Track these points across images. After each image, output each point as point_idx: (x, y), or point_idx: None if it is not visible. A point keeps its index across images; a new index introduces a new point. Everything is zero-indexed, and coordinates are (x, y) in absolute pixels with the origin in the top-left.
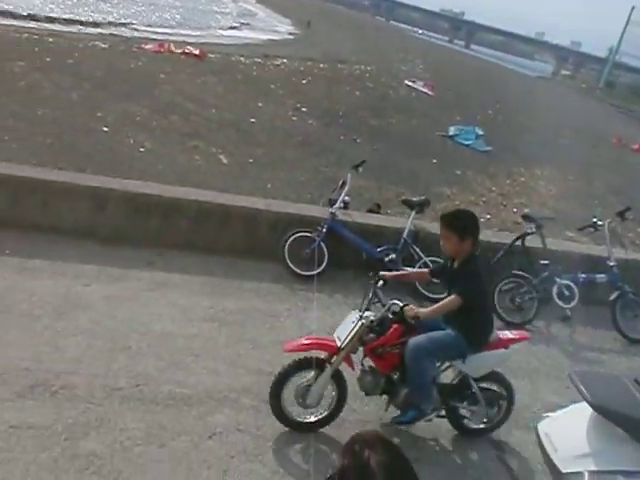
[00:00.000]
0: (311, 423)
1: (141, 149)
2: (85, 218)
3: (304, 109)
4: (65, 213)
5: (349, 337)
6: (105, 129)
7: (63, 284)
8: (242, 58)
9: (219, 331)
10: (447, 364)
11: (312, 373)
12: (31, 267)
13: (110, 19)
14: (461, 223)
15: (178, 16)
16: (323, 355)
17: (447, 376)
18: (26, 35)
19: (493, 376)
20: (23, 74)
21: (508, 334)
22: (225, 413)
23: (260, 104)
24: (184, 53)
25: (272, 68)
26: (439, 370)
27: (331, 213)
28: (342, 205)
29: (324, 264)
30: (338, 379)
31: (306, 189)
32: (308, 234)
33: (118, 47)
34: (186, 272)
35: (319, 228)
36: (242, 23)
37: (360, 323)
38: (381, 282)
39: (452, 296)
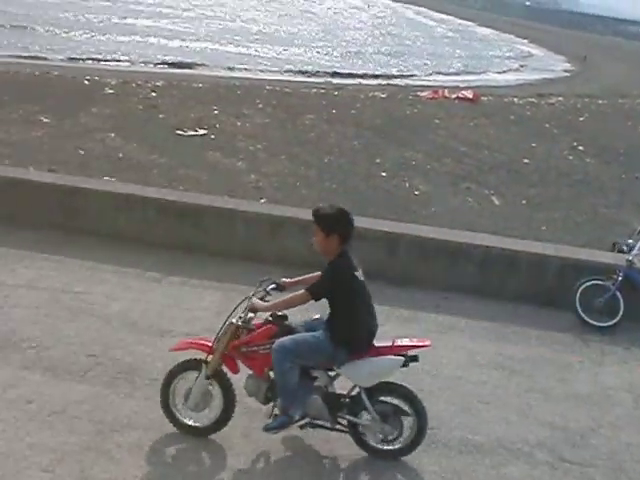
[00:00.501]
0: (197, 427)
1: (416, 192)
2: (377, 260)
3: (581, 147)
4: (359, 255)
5: (219, 336)
6: (383, 174)
7: None
8: (515, 99)
9: (508, 379)
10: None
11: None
12: None
13: (394, 71)
14: (328, 218)
15: (458, 64)
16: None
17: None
18: (314, 90)
19: (394, 388)
20: (312, 126)
21: (405, 340)
22: (519, 466)
23: (533, 144)
24: (458, 98)
25: (546, 107)
26: (326, 376)
27: (628, 261)
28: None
29: (619, 315)
30: (220, 381)
31: (583, 231)
32: (601, 282)
33: (396, 96)
34: (470, 316)
35: (614, 276)
36: (519, 65)
37: (229, 322)
38: (272, 285)
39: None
